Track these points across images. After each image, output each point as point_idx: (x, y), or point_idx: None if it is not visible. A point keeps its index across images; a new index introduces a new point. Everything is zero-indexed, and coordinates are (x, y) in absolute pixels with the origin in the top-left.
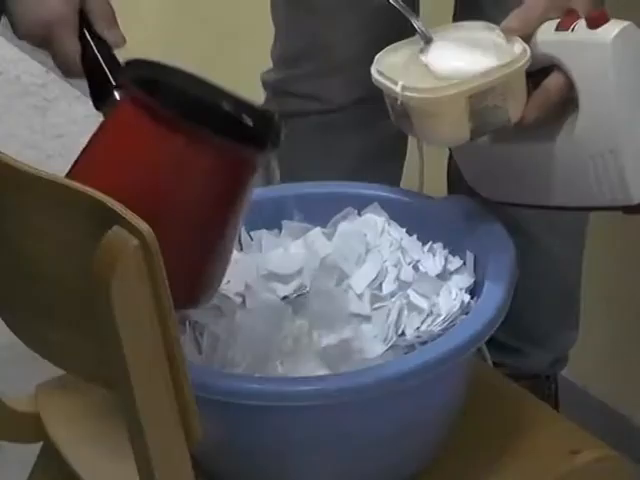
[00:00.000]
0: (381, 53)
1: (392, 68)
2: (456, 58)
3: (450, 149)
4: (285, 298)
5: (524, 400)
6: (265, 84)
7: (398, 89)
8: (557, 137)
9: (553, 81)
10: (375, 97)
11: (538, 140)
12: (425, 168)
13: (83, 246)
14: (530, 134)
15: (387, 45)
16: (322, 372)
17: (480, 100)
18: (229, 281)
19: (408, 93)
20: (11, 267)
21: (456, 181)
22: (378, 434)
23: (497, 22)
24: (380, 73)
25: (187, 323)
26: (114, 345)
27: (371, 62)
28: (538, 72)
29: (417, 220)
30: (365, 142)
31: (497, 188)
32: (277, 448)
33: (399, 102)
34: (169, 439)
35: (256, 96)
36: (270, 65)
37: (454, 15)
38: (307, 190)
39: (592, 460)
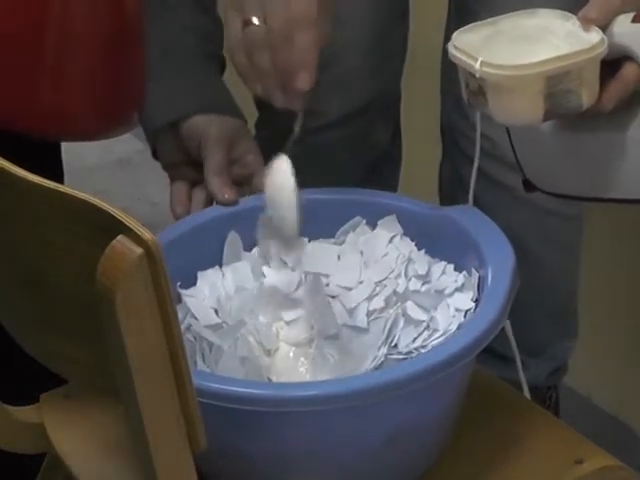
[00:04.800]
0: (457, 32)
1: (469, 45)
2: (534, 45)
3: (512, 143)
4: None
5: (527, 409)
6: (258, 101)
7: (477, 65)
8: (627, 128)
9: (630, 71)
10: (371, 106)
11: (606, 130)
12: (421, 174)
13: (87, 255)
14: (597, 124)
15: (384, 55)
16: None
17: (557, 82)
18: (232, 298)
19: (487, 69)
20: (15, 276)
21: (448, 188)
22: (370, 441)
23: None
24: (457, 49)
25: (193, 338)
26: (119, 354)
27: (367, 71)
28: (608, 63)
29: (424, 229)
30: (363, 154)
31: (560, 181)
32: (274, 453)
33: (477, 77)
34: (174, 447)
35: (249, 114)
36: None
37: (448, 16)
38: (315, 196)
39: (596, 469)
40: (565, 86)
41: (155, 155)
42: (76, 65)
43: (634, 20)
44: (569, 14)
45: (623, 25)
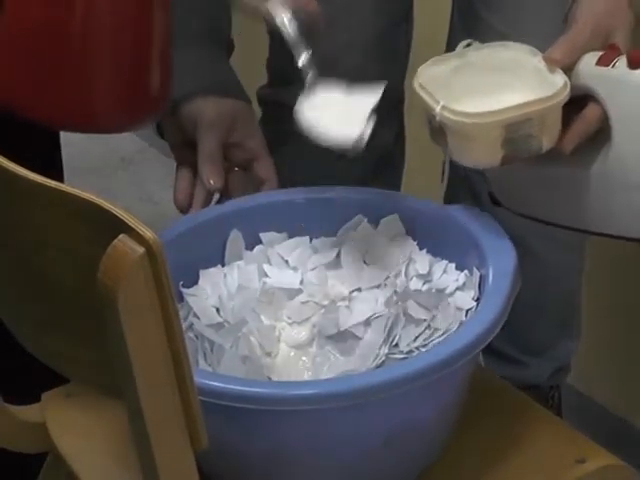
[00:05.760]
0: (423, 66)
1: (434, 82)
2: (502, 78)
3: None
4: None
5: (528, 408)
6: (261, 100)
7: (438, 108)
8: (588, 165)
9: (591, 112)
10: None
11: (570, 165)
12: (424, 173)
13: (88, 255)
14: (562, 158)
15: (386, 55)
16: None
17: (516, 129)
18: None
19: (447, 114)
20: (15, 275)
21: (451, 189)
22: (370, 440)
23: (492, 26)
24: (422, 87)
25: (195, 336)
26: (120, 352)
27: (370, 71)
28: (572, 100)
29: (425, 228)
30: (366, 153)
31: (523, 203)
32: (274, 452)
33: (437, 119)
34: (175, 446)
35: None
36: (265, 80)
37: (451, 20)
38: (317, 195)
39: (598, 469)
40: (525, 132)
41: (163, 136)
42: (101, 60)
43: (599, 62)
44: (536, 50)
45: (588, 65)
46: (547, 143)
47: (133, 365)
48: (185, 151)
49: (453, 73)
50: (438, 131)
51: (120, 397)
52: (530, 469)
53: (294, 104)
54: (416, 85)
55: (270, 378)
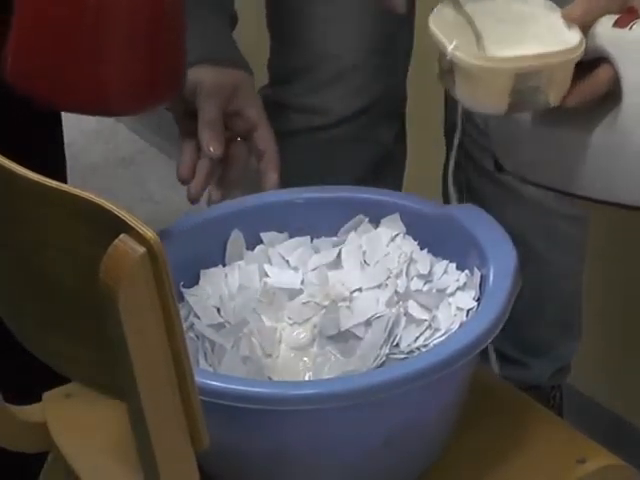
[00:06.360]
0: (440, 5)
1: (449, 22)
2: (514, 30)
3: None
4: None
5: (529, 408)
6: (262, 100)
7: (450, 47)
8: (595, 129)
9: (603, 73)
10: (375, 105)
11: (577, 128)
12: (425, 173)
13: (89, 254)
14: (571, 120)
15: (387, 54)
16: None
17: (525, 80)
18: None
19: (459, 54)
20: (17, 276)
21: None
22: (370, 440)
23: None
24: (436, 24)
25: (196, 336)
26: (121, 352)
27: (371, 71)
28: (586, 61)
29: (427, 228)
30: (366, 153)
31: (526, 166)
32: (275, 452)
33: (448, 58)
34: (176, 446)
35: None
36: (266, 81)
37: None
38: (317, 195)
39: (598, 469)
40: (534, 84)
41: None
42: (115, 43)
43: (616, 24)
44: (555, 6)
45: (605, 27)
46: (554, 99)
47: (134, 365)
48: (188, 122)
49: (466, 20)
50: (447, 72)
51: (120, 397)
52: (530, 469)
53: (294, 104)
54: (430, 22)
55: (271, 378)
